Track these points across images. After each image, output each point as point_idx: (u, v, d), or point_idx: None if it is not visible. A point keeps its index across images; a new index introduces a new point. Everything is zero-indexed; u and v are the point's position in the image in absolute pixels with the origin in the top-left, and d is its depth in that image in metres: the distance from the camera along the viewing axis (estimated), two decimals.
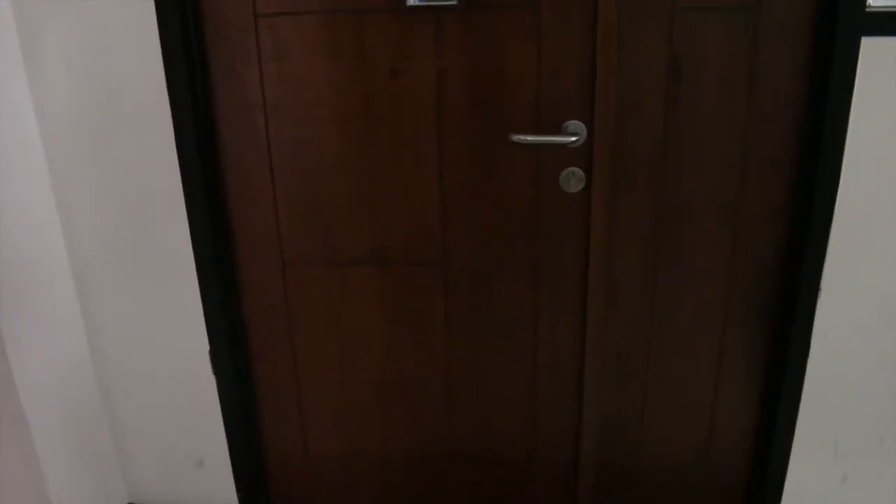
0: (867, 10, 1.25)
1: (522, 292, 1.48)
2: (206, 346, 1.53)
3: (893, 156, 1.33)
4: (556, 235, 1.43)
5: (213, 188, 1.42)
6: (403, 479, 1.68)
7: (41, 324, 1.45)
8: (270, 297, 1.53)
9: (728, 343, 1.52)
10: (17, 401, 1.38)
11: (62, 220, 1.47)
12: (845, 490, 1.60)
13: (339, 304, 1.51)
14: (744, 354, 1.53)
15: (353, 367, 1.57)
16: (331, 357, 1.57)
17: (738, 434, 1.60)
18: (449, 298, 1.49)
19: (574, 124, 1.34)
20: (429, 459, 1.66)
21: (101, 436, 1.65)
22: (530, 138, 1.32)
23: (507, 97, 1.33)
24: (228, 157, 1.42)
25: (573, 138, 1.32)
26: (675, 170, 1.37)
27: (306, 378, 1.60)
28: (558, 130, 1.34)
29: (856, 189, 1.34)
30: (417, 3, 1.28)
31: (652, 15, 1.28)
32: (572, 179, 1.37)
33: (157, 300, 1.52)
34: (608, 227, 1.41)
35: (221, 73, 1.36)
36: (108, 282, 1.52)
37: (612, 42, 1.28)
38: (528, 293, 1.48)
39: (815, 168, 1.34)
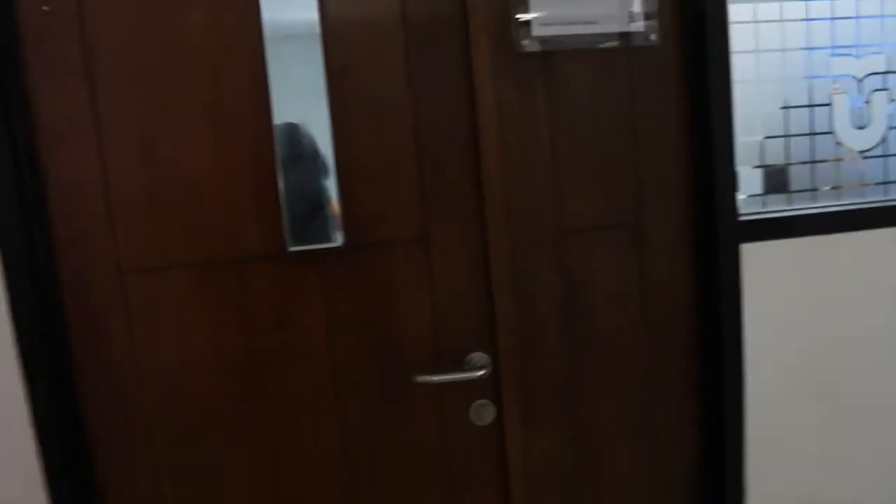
0: (739, 219, 1.32)
1: None
2: None
3: (791, 350, 1.36)
4: (471, 472, 1.31)
5: (78, 464, 1.21)
6: None
7: None
8: None
9: None
10: None
11: None
12: None
13: None
14: None
15: None
16: None
17: None
18: None
19: (478, 356, 1.27)
20: None
21: None
22: (436, 378, 1.24)
23: (404, 337, 1.25)
24: (95, 426, 1.22)
25: (480, 372, 1.25)
26: (583, 392, 1.32)
27: None
28: (462, 365, 1.26)
29: (762, 387, 1.35)
30: (299, 248, 1.20)
31: (542, 240, 1.28)
32: (483, 412, 1.28)
33: None
34: (524, 455, 1.32)
35: (83, 336, 1.19)
36: None
37: (505, 270, 1.25)
38: None
39: (720, 372, 1.33)
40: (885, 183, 1.43)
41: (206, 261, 1.19)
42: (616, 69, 1.26)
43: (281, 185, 1.18)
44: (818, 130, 1.40)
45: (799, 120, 1.39)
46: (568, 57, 1.24)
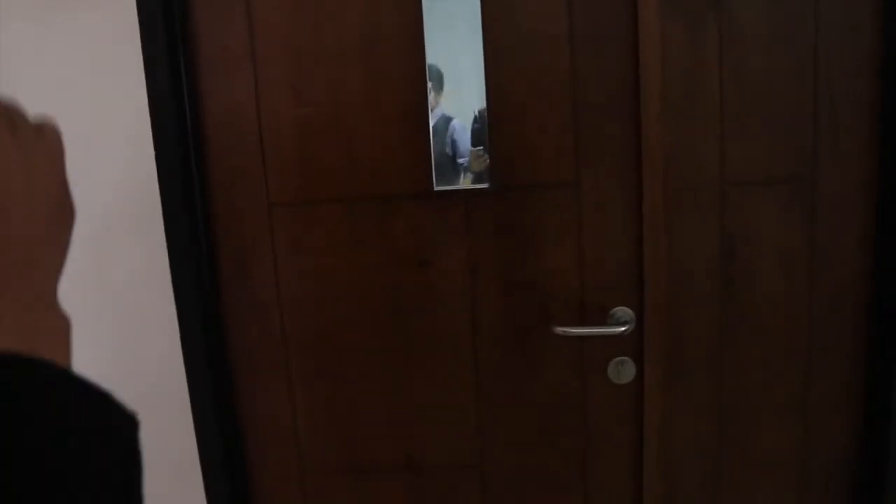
0: None
1: (568, 499, 1.29)
2: None
3: None
4: (606, 431, 1.26)
5: (222, 393, 1.26)
6: None
7: None
8: None
9: None
10: None
11: None
12: None
13: None
14: None
15: None
16: None
17: None
18: None
19: (622, 311, 1.20)
20: None
21: None
22: (576, 331, 1.19)
23: (547, 285, 1.20)
24: (239, 358, 1.27)
25: (623, 328, 1.18)
26: (735, 359, 1.23)
27: None
28: (605, 318, 1.21)
29: None
30: (446, 188, 1.18)
31: (700, 193, 1.18)
32: (622, 370, 1.22)
33: None
34: (663, 422, 1.25)
35: (232, 268, 1.23)
36: None
37: (659, 223, 1.17)
38: (574, 499, 1.29)
39: (892, 350, 1.20)
40: None
41: (352, 197, 1.19)
42: (800, 2, 1.13)
43: (431, 123, 1.16)
44: None
45: None
46: None
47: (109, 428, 0.35)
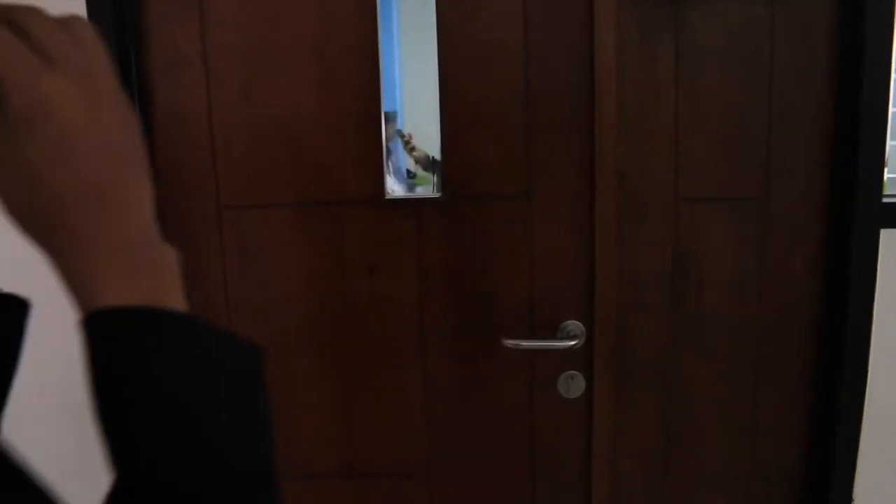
0: (883, 200, 1.17)
1: None
2: None
3: None
4: (554, 445, 1.25)
5: None
6: None
7: None
8: None
9: None
10: None
11: None
12: None
13: None
14: None
15: None
16: None
17: None
18: None
19: (573, 325, 1.20)
20: None
21: None
22: (526, 343, 1.17)
23: (498, 297, 1.19)
24: None
25: (573, 342, 1.18)
26: (684, 374, 1.23)
27: None
28: (555, 332, 1.20)
29: (886, 392, 1.21)
30: (398, 196, 1.16)
31: (653, 208, 1.18)
32: (572, 384, 1.22)
33: None
34: (611, 436, 1.24)
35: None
36: None
37: (611, 237, 1.17)
38: None
39: (839, 372, 1.20)
40: None
41: (303, 201, 1.17)
42: (755, 19, 1.13)
43: (383, 129, 1.14)
44: None
45: None
46: (701, 3, 1.12)
47: (235, 364, 0.38)
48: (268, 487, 0.39)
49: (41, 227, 0.36)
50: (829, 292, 1.19)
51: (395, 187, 1.16)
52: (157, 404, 0.35)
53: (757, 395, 1.24)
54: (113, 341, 0.35)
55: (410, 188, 1.16)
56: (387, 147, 1.15)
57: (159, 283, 0.38)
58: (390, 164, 1.15)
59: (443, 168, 1.15)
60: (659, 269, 1.19)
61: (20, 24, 0.34)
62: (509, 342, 1.17)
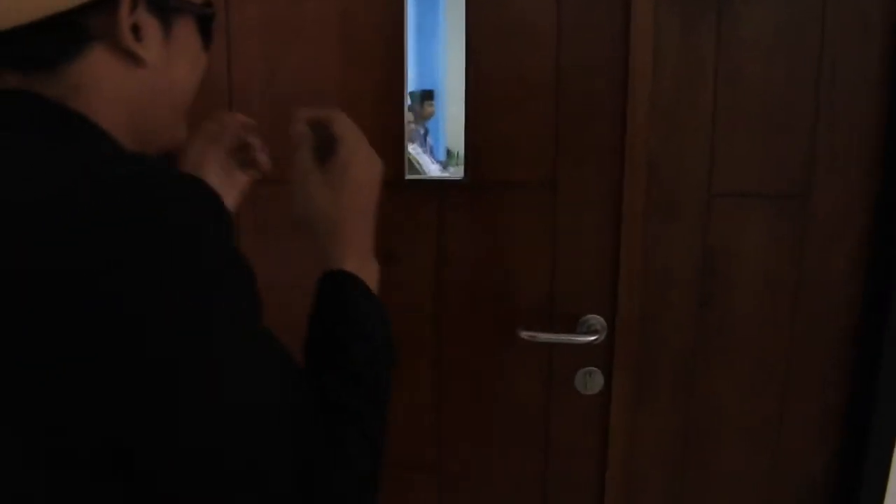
0: None
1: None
2: None
3: None
4: (569, 441, 1.22)
5: None
6: None
7: None
8: None
9: None
10: None
11: None
12: None
13: None
14: None
15: None
16: None
17: None
18: None
19: (594, 319, 1.16)
20: None
21: None
22: (544, 336, 1.14)
23: (517, 287, 1.16)
24: None
25: (593, 337, 1.14)
26: (708, 376, 1.18)
27: None
28: (575, 326, 1.16)
29: None
30: (417, 178, 1.13)
31: (684, 202, 1.13)
32: (590, 380, 1.18)
33: None
34: (628, 435, 1.20)
35: None
36: None
37: (639, 230, 1.12)
38: None
39: (872, 382, 1.14)
40: None
41: None
42: (805, 10, 1.06)
43: (405, 108, 1.10)
44: None
45: None
46: None
47: (389, 328, 0.70)
48: (386, 397, 0.72)
49: (323, 227, 0.71)
50: (870, 298, 1.13)
51: (430, 167, 1.12)
52: (353, 321, 0.67)
53: (784, 404, 1.19)
54: (342, 283, 0.69)
55: (444, 168, 1.12)
56: (425, 127, 1.11)
57: (369, 274, 0.71)
58: (428, 142, 1.12)
59: (466, 150, 1.11)
60: (687, 266, 1.14)
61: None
62: (526, 334, 1.13)
